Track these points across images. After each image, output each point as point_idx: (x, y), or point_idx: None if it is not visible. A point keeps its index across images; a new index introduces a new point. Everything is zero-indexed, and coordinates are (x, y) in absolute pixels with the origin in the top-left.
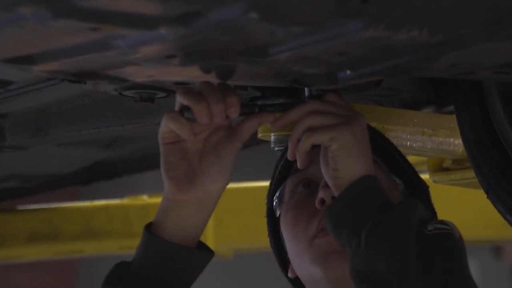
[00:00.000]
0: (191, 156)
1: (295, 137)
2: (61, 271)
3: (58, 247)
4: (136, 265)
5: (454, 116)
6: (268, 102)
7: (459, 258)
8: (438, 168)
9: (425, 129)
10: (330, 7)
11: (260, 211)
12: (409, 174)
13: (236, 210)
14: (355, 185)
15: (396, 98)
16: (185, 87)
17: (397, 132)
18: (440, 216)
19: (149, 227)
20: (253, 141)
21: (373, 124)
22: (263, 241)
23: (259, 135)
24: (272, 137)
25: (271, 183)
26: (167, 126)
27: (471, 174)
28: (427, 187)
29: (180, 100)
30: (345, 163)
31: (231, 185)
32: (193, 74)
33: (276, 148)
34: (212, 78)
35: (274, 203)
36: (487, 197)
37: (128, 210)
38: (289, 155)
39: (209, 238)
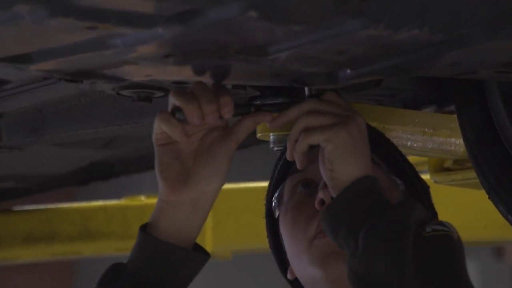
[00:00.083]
0: (185, 157)
1: (293, 137)
2: (59, 272)
3: (55, 248)
4: (131, 266)
5: (455, 116)
6: (267, 102)
7: (457, 260)
8: (439, 169)
9: (426, 129)
10: (330, 5)
11: (259, 212)
12: (409, 174)
13: (235, 211)
14: (352, 186)
15: (396, 98)
16: (177, 87)
17: (397, 132)
18: (441, 217)
19: (144, 228)
20: (252, 141)
21: (374, 124)
22: (262, 242)
23: (258, 135)
24: (271, 137)
25: (270, 184)
26: (159, 127)
27: (472, 174)
28: (428, 187)
29: (172, 100)
30: (341, 163)
31: (230, 186)
32: (191, 73)
33: (275, 148)
34: (207, 79)
35: (273, 204)
36: (488, 198)
37: (126, 210)
38: (287, 156)
39: (208, 239)
